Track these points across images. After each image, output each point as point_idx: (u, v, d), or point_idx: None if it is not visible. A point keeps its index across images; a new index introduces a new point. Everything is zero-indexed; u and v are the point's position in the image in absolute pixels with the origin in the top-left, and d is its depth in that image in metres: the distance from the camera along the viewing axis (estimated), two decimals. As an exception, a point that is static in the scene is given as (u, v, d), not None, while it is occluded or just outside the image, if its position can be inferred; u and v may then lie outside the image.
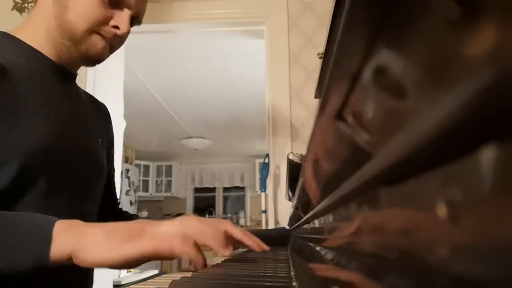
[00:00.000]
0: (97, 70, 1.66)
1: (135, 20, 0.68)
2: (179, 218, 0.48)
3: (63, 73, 0.66)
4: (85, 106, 0.73)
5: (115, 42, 0.67)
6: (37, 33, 0.63)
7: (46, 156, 0.56)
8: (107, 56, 0.68)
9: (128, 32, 0.66)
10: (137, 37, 1.79)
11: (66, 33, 0.62)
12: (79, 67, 0.70)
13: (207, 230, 0.46)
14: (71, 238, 0.42)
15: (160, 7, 1.60)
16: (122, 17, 0.64)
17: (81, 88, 0.76)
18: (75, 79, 0.72)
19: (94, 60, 0.66)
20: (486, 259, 0.07)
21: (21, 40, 0.62)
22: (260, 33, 1.65)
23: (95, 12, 0.62)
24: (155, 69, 2.91)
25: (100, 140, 0.73)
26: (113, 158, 0.85)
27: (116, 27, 0.64)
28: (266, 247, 0.69)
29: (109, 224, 0.44)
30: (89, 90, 1.53)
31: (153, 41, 2.17)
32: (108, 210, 0.78)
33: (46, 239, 0.41)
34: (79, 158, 0.64)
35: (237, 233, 0.64)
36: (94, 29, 0.63)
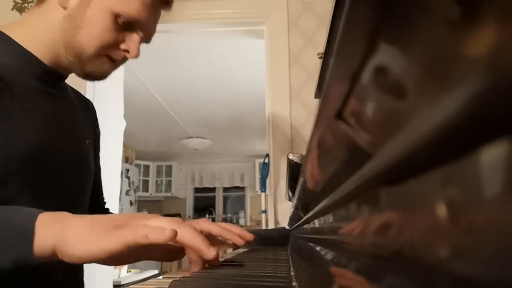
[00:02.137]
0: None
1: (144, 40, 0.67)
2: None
3: (53, 75, 0.64)
4: (74, 107, 0.71)
5: (121, 63, 0.66)
6: (37, 37, 0.61)
7: (31, 162, 0.55)
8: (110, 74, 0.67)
9: (138, 56, 0.64)
10: (137, 37, 1.80)
11: (73, 51, 0.61)
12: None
13: (190, 232, 0.43)
14: (54, 231, 0.39)
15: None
16: (133, 41, 0.62)
17: (69, 86, 0.74)
18: (65, 80, 0.70)
19: (95, 78, 0.65)
20: (487, 259, 0.07)
21: (12, 39, 0.59)
22: (260, 33, 1.65)
23: (107, 36, 0.60)
24: (155, 69, 2.91)
25: (88, 141, 0.71)
26: (98, 155, 0.82)
27: (126, 50, 0.63)
28: (249, 236, 0.61)
29: (96, 215, 0.42)
30: (89, 90, 1.53)
31: (153, 41, 2.18)
32: (93, 210, 0.76)
33: (28, 235, 0.38)
34: (67, 162, 0.63)
35: (214, 229, 0.59)
36: (104, 52, 0.61)
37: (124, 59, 0.65)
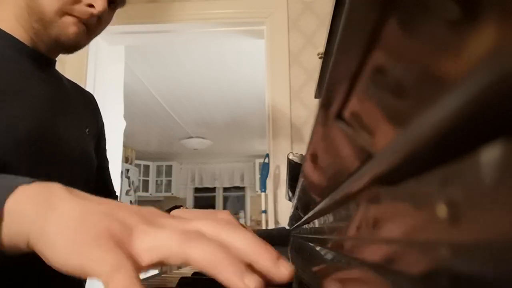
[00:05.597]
0: (97, 69, 1.66)
1: (117, 0, 0.61)
2: (182, 219, 0.25)
3: (38, 58, 0.60)
4: (68, 94, 0.67)
5: (92, 25, 0.60)
6: (7, 15, 0.57)
7: (23, 146, 0.52)
8: (85, 43, 0.61)
9: (104, 11, 0.58)
10: (137, 37, 1.80)
11: (34, 13, 0.56)
12: (57, 54, 0.64)
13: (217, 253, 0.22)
14: (31, 214, 0.24)
15: (160, 7, 1.60)
16: None
17: (64, 76, 0.71)
18: (54, 65, 0.66)
19: (67, 46, 0.60)
20: (487, 259, 0.07)
21: None
22: (260, 33, 1.65)
23: None
24: (155, 69, 2.91)
25: (87, 130, 0.68)
26: (105, 148, 0.79)
27: (91, 5, 0.57)
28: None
29: (97, 200, 0.27)
30: (89, 89, 1.52)
31: (153, 41, 2.18)
32: None
33: None
34: (60, 148, 0.59)
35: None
36: (66, 10, 0.56)
37: (93, 19, 0.59)
